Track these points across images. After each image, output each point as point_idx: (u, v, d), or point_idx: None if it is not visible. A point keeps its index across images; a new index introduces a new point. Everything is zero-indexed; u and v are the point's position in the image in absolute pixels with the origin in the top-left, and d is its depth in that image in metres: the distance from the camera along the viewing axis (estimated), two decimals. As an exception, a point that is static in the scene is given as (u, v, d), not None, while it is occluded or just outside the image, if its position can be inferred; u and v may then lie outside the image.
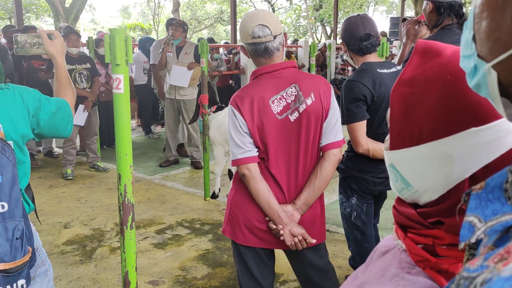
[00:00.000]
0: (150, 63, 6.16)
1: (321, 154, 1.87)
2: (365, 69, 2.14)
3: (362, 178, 2.24)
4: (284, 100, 1.76)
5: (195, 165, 5.71)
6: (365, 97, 2.09)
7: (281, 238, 1.78)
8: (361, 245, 2.39)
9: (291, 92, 1.77)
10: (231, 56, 8.50)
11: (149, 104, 7.84)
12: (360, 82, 2.10)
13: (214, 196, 4.57)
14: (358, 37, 2.12)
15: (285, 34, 1.84)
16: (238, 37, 11.31)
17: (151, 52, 5.96)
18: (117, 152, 1.85)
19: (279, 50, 1.79)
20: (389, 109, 0.72)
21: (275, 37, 1.74)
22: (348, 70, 10.91)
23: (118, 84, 1.78)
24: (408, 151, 0.67)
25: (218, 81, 8.40)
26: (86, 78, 5.40)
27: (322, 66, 9.68)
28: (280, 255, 1.99)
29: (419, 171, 0.66)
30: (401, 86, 0.69)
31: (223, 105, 4.79)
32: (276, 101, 1.75)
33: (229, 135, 1.79)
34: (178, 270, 3.12)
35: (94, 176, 5.47)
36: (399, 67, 2.23)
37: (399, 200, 0.75)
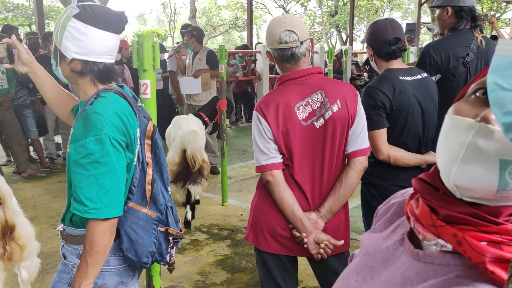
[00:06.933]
0: (168, 69, 6.33)
1: (346, 161, 1.85)
2: (386, 76, 2.08)
3: (382, 185, 2.15)
4: (309, 106, 1.74)
5: (212, 170, 5.74)
6: (384, 105, 2.04)
7: (305, 246, 1.77)
8: None
9: (317, 98, 1.75)
10: (247, 59, 8.58)
11: (165, 109, 7.91)
12: (379, 89, 2.04)
13: (188, 224, 3.97)
14: (387, 41, 2.07)
15: (311, 39, 1.82)
16: (255, 42, 11.34)
17: (167, 60, 6.10)
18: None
19: (306, 55, 1.77)
20: None
21: (302, 42, 1.73)
22: (363, 76, 10.90)
23: (146, 89, 1.80)
24: None
25: (235, 87, 8.61)
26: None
27: (337, 72, 9.84)
28: (300, 261, 1.97)
29: None
30: None
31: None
32: (301, 107, 1.74)
33: (253, 141, 1.79)
34: (197, 275, 3.12)
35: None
36: (424, 74, 2.17)
37: (443, 199, 0.65)
